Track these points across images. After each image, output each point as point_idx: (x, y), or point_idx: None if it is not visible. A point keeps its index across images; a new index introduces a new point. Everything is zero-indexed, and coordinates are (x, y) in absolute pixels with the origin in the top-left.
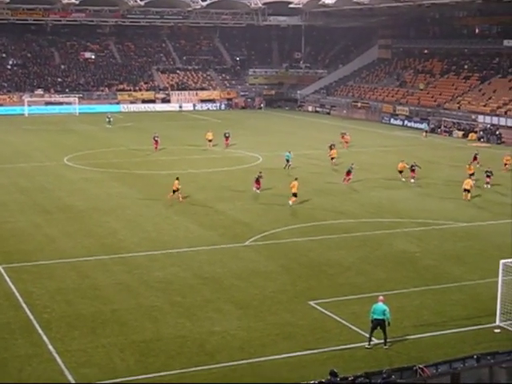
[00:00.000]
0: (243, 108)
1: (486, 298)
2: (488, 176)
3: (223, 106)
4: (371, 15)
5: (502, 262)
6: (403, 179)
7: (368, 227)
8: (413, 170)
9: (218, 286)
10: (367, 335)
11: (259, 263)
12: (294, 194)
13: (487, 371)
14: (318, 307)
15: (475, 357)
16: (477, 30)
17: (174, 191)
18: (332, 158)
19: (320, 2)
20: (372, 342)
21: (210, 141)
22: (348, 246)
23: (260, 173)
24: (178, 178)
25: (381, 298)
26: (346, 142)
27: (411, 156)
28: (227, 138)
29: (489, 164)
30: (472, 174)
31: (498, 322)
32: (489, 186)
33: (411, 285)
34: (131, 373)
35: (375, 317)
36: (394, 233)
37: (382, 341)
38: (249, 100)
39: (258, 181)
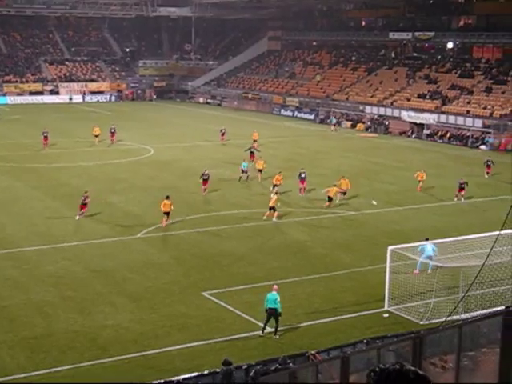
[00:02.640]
0: (133, 100)
1: (375, 283)
2: (462, 188)
3: (113, 98)
4: (261, 7)
5: (389, 248)
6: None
7: (260, 217)
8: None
9: (110, 280)
10: (261, 324)
11: (152, 255)
12: (272, 208)
13: (375, 354)
14: (212, 298)
15: (365, 341)
16: (363, 23)
17: (166, 213)
18: (259, 171)
19: None
20: (266, 331)
21: (96, 136)
22: (240, 237)
23: (85, 193)
24: (168, 197)
25: (275, 287)
26: (255, 141)
27: (299, 146)
28: (113, 133)
29: (379, 152)
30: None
31: (386, 307)
32: (462, 200)
33: (303, 273)
34: (22, 370)
35: (269, 306)
36: (286, 222)
37: (274, 330)
38: (139, 91)
39: (84, 204)
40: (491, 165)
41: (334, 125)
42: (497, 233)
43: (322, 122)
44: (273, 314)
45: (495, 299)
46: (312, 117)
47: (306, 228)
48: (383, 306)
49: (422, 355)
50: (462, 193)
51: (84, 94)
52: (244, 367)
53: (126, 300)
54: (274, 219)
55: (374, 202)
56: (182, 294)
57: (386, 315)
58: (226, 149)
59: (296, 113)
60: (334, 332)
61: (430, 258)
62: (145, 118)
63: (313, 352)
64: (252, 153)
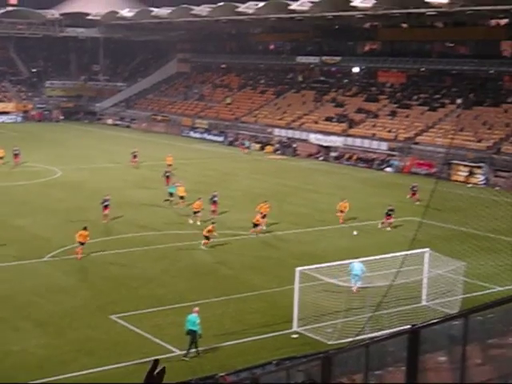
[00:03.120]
0: (40, 121)
1: (284, 305)
2: (389, 215)
3: (19, 119)
4: (170, 29)
5: (297, 269)
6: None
7: (169, 239)
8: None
9: (15, 304)
10: (169, 347)
11: (59, 278)
12: (206, 237)
13: (285, 374)
14: (120, 321)
15: (274, 362)
16: (271, 46)
17: (81, 244)
18: (181, 197)
19: (118, 15)
20: (199, 349)
21: (0, 158)
22: (149, 259)
23: None
24: (86, 228)
25: (195, 309)
26: (170, 165)
27: (208, 168)
28: (16, 155)
29: (288, 174)
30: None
31: (295, 328)
32: (388, 229)
33: (213, 295)
34: None
35: (189, 327)
36: (194, 244)
37: (186, 351)
38: (46, 112)
39: None
40: (417, 191)
41: (247, 147)
42: (404, 253)
43: (231, 144)
44: (192, 335)
45: (402, 318)
46: (221, 139)
47: (216, 250)
48: (292, 327)
49: (330, 375)
50: (391, 220)
51: None
52: None
53: (30, 325)
54: (202, 247)
55: (355, 233)
56: (90, 318)
57: (295, 336)
58: (136, 171)
59: (205, 135)
60: (243, 354)
61: (357, 276)
62: (52, 140)
63: (222, 374)
64: (168, 177)
